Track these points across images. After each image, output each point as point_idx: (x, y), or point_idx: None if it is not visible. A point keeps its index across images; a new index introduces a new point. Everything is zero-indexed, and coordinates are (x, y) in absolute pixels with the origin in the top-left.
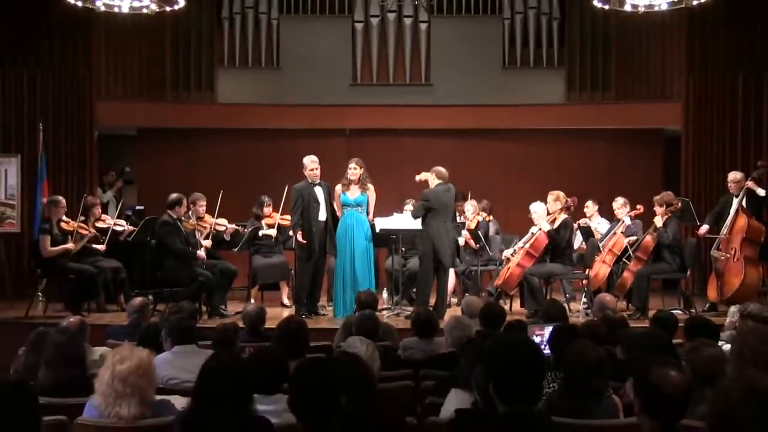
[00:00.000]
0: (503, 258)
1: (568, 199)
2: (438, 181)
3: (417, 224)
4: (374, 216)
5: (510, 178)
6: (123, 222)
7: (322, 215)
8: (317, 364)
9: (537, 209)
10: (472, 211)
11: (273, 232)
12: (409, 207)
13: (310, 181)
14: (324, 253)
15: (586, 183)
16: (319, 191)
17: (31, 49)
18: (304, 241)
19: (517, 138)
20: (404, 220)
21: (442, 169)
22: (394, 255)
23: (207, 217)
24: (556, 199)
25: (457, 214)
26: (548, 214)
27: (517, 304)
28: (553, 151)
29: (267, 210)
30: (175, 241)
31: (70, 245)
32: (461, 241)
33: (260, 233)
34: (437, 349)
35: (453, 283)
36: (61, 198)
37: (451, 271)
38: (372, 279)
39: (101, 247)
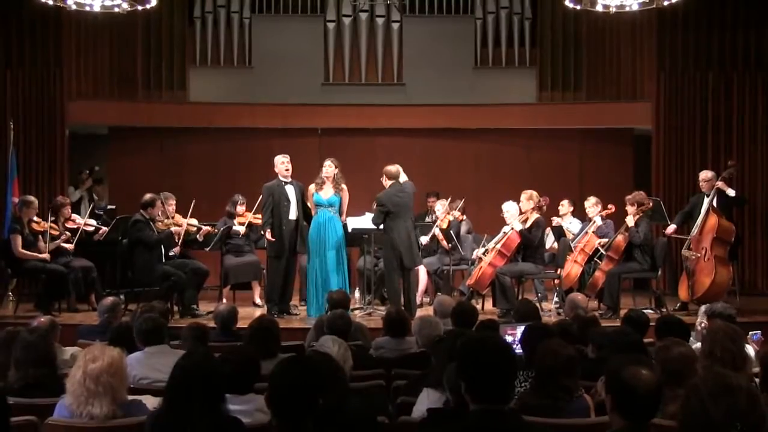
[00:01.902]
0: (475, 257)
1: (541, 199)
2: (390, 182)
3: None
4: (347, 216)
5: (482, 177)
6: (93, 222)
7: (293, 214)
8: (299, 364)
9: (509, 208)
10: (442, 210)
11: (242, 229)
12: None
13: (281, 178)
14: (295, 252)
15: (557, 182)
16: (290, 189)
17: (1, 48)
18: (273, 239)
19: (489, 137)
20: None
21: (391, 168)
22: (366, 255)
23: (177, 216)
24: (529, 198)
25: (429, 212)
26: (520, 213)
27: (489, 304)
28: (524, 150)
29: (240, 209)
30: (149, 234)
31: (44, 255)
32: (424, 240)
33: (234, 228)
34: (409, 349)
35: (425, 283)
36: (33, 199)
37: (423, 270)
38: (345, 279)
39: (69, 246)
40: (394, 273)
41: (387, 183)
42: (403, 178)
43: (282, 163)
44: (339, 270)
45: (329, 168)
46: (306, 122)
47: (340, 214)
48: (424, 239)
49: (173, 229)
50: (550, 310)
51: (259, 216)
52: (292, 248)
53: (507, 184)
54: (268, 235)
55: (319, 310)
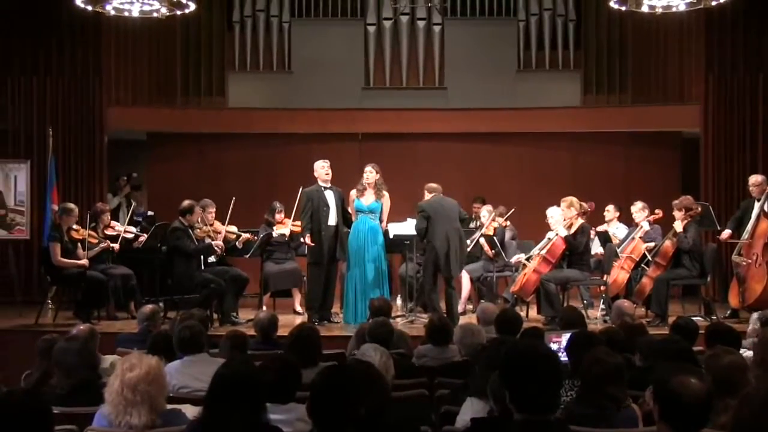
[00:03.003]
0: (519, 264)
1: (584, 204)
2: (431, 195)
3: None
4: (388, 222)
5: (525, 182)
6: (133, 228)
7: (332, 220)
8: (341, 372)
9: (554, 214)
10: (488, 216)
11: (287, 231)
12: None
13: (321, 184)
14: (334, 258)
15: (602, 187)
16: (330, 195)
17: (40, 56)
18: (312, 244)
19: (533, 142)
20: None
21: (432, 184)
22: (408, 261)
23: (217, 223)
24: (569, 206)
25: (473, 217)
26: (564, 219)
27: (533, 311)
28: (569, 154)
29: (279, 216)
30: (188, 243)
31: (83, 261)
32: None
33: (274, 234)
34: (452, 357)
35: (468, 290)
36: (73, 206)
37: (466, 277)
38: (385, 286)
39: (115, 246)
40: (431, 281)
41: (428, 196)
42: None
43: (322, 168)
44: (379, 279)
45: (370, 174)
46: (346, 127)
47: (381, 221)
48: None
49: (214, 242)
50: (596, 317)
51: (299, 224)
52: (331, 255)
53: (551, 189)
54: (308, 240)
55: (358, 317)
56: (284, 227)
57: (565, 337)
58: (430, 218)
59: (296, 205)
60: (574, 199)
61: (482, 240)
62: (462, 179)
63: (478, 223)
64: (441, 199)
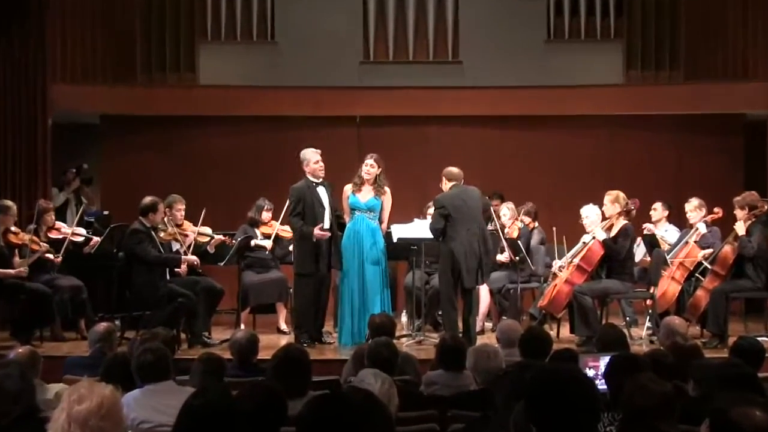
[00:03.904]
0: (549, 273)
1: (629, 201)
2: (450, 183)
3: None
4: (390, 223)
5: (555, 175)
6: (83, 231)
7: (327, 222)
8: (334, 403)
9: (589, 214)
10: (509, 216)
11: (268, 243)
12: (432, 211)
13: (312, 179)
14: (328, 267)
15: (649, 181)
16: (323, 192)
17: None
18: (326, 233)
19: (565, 126)
20: (427, 228)
21: (453, 169)
22: (415, 270)
23: (187, 224)
24: (614, 201)
25: (494, 223)
26: (604, 219)
27: (565, 330)
28: (608, 142)
29: (266, 215)
30: (148, 249)
31: (22, 269)
32: (502, 257)
33: (252, 243)
34: (468, 385)
35: (487, 304)
36: (11, 204)
37: (485, 289)
38: (387, 299)
39: (56, 259)
40: (450, 292)
41: (446, 186)
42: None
43: (317, 162)
44: (380, 288)
45: (372, 168)
46: (341, 109)
47: (380, 222)
48: (502, 257)
49: (185, 256)
50: (640, 337)
51: (288, 229)
52: (325, 263)
53: (587, 183)
54: (318, 231)
55: (356, 337)
56: (270, 230)
57: (604, 361)
58: (449, 216)
59: (286, 207)
60: (621, 194)
61: (503, 243)
62: (479, 171)
63: (497, 224)
64: (463, 191)
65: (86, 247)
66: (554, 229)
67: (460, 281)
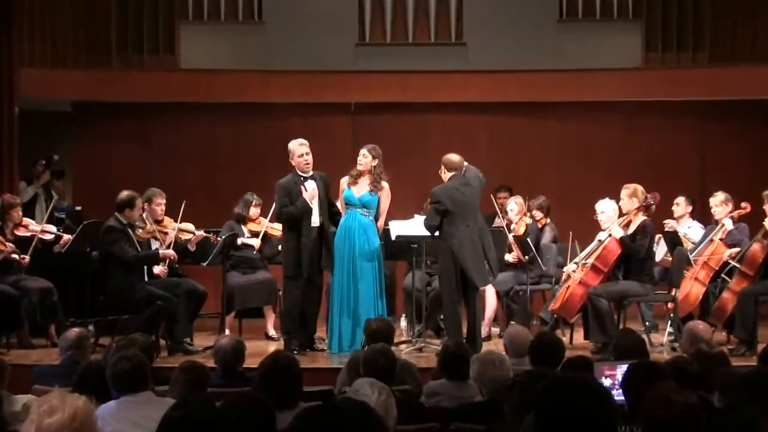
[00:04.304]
0: (561, 274)
1: (648, 196)
2: (450, 174)
3: None
4: (389, 219)
5: (568, 166)
6: (53, 228)
7: (316, 219)
8: (327, 416)
9: (605, 209)
10: (517, 211)
11: (256, 242)
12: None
13: (300, 172)
14: (319, 268)
15: (670, 173)
16: (311, 186)
17: None
18: (311, 192)
19: (579, 114)
20: None
21: (453, 156)
22: (415, 270)
23: (167, 220)
24: (632, 195)
25: (499, 213)
26: (621, 215)
27: (579, 336)
28: (625, 130)
29: (254, 211)
30: (125, 248)
31: None
32: (510, 257)
33: (239, 241)
34: (472, 395)
35: (494, 308)
36: None
37: (491, 291)
38: (383, 302)
39: (23, 260)
40: (453, 294)
41: (446, 176)
42: (471, 172)
43: (301, 156)
44: (374, 290)
45: (364, 158)
46: (335, 95)
47: (377, 219)
48: (510, 256)
49: (163, 250)
50: (661, 343)
51: (277, 227)
52: (315, 264)
53: (602, 175)
54: (307, 196)
55: (351, 343)
56: (259, 228)
57: (621, 370)
58: (447, 213)
59: (274, 208)
60: (639, 188)
61: (511, 240)
62: (485, 163)
63: (505, 220)
64: (462, 181)
65: (56, 245)
66: (567, 227)
67: (464, 282)
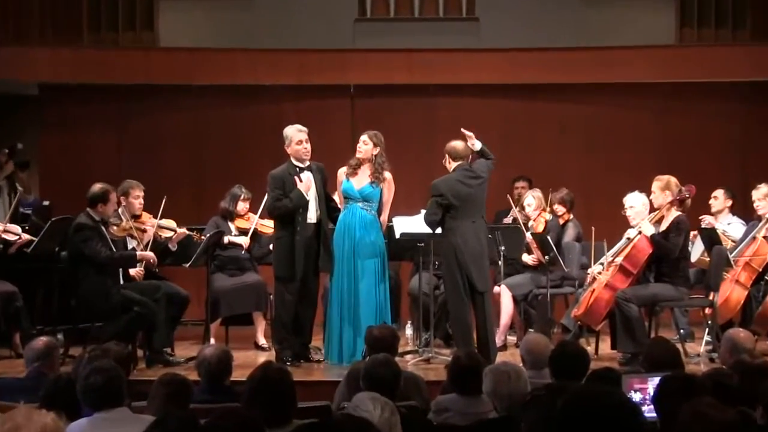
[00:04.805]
0: (586, 276)
1: (683, 188)
2: (455, 164)
3: None
4: (392, 215)
5: (592, 156)
6: (16, 227)
7: (313, 215)
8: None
9: (635, 203)
10: (535, 206)
11: (245, 240)
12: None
13: (295, 162)
14: (316, 270)
15: (708, 164)
16: (307, 177)
17: None
18: (306, 183)
19: (605, 97)
20: None
21: (457, 144)
22: (422, 272)
23: (146, 215)
24: (665, 187)
25: (514, 208)
26: (652, 209)
27: (606, 345)
28: (657, 116)
29: (242, 207)
30: (98, 248)
31: None
32: (529, 259)
33: (226, 240)
34: (486, 412)
35: (510, 314)
36: None
37: (507, 295)
38: (387, 307)
39: None
40: (459, 298)
41: (451, 165)
42: (479, 163)
43: (300, 143)
44: (377, 294)
45: (365, 145)
46: (332, 77)
47: (379, 214)
48: (529, 258)
49: (140, 252)
50: (698, 354)
51: (268, 223)
52: (311, 265)
53: (630, 166)
54: (302, 187)
55: (350, 353)
56: (248, 225)
57: (653, 383)
58: (450, 207)
59: (266, 200)
60: (673, 180)
61: (529, 238)
62: (500, 152)
63: (518, 214)
64: (467, 172)
65: (19, 245)
66: (592, 223)
67: (471, 284)
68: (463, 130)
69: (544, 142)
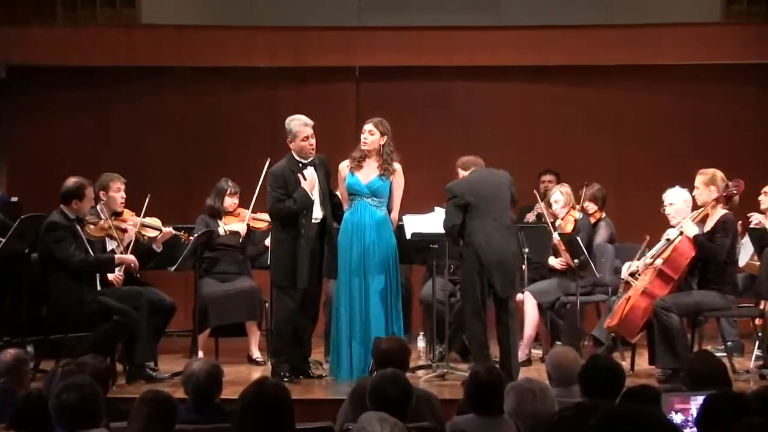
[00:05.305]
0: (620, 282)
1: (730, 184)
2: (469, 171)
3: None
4: (401, 212)
5: (626, 147)
6: None
7: (317, 212)
8: None
9: (676, 200)
10: (563, 203)
11: (237, 240)
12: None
13: (298, 157)
14: (320, 275)
15: (757, 156)
16: (310, 173)
17: None
18: (310, 181)
19: (641, 81)
20: None
21: (468, 158)
22: (436, 277)
23: (127, 213)
24: (709, 182)
25: (540, 204)
26: (695, 207)
27: (643, 360)
28: (701, 101)
29: (230, 202)
30: (71, 250)
31: None
32: (556, 263)
33: (220, 231)
34: None
35: (535, 324)
36: None
37: (531, 303)
38: (398, 317)
39: None
40: (478, 306)
41: (465, 174)
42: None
43: (306, 139)
44: (388, 302)
45: (371, 135)
46: (336, 58)
47: (390, 211)
48: (556, 261)
49: (119, 255)
50: (747, 369)
51: (262, 217)
52: (315, 270)
53: (671, 158)
54: (306, 185)
55: (356, 368)
56: (239, 222)
57: (696, 402)
58: (469, 206)
59: (259, 186)
60: (719, 174)
61: (557, 239)
62: (521, 142)
63: (547, 214)
64: (485, 173)
65: None
66: (627, 222)
67: (491, 288)
68: None
69: (572, 132)
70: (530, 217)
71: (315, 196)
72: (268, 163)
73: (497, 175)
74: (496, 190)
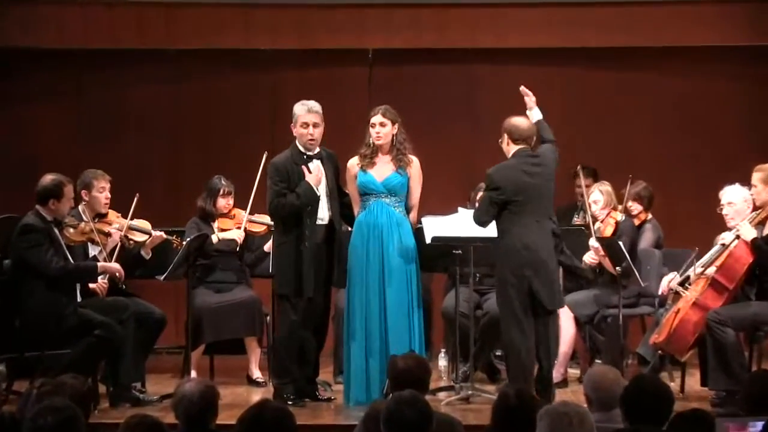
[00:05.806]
0: (669, 293)
1: None
2: (516, 147)
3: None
4: (420, 213)
5: (675, 140)
6: None
7: (324, 213)
8: None
9: (734, 198)
10: (603, 204)
11: (234, 243)
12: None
13: (302, 148)
14: (328, 284)
15: None
16: (316, 167)
17: None
18: (316, 174)
19: (690, 64)
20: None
21: (520, 121)
22: (460, 286)
23: (112, 214)
24: (767, 179)
25: (579, 206)
26: (755, 208)
27: (695, 380)
28: (760, 87)
29: (223, 203)
30: (48, 257)
31: None
32: (588, 257)
33: (214, 238)
34: None
35: (571, 341)
36: None
37: (567, 316)
38: (420, 332)
39: None
40: (516, 320)
41: (510, 148)
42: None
43: (305, 126)
44: (409, 315)
45: (383, 128)
46: (346, 39)
47: (408, 211)
48: (588, 257)
49: (102, 263)
50: None
51: (260, 220)
52: (322, 278)
53: (728, 151)
54: (311, 178)
55: (371, 389)
56: (233, 225)
57: (755, 429)
58: (509, 203)
59: (256, 187)
60: None
61: (595, 244)
62: (558, 134)
63: (583, 214)
64: (531, 159)
65: None
66: (674, 225)
67: (533, 300)
68: (522, 88)
69: (613, 121)
70: (576, 221)
71: (321, 192)
72: (265, 157)
73: (546, 163)
74: (540, 184)
